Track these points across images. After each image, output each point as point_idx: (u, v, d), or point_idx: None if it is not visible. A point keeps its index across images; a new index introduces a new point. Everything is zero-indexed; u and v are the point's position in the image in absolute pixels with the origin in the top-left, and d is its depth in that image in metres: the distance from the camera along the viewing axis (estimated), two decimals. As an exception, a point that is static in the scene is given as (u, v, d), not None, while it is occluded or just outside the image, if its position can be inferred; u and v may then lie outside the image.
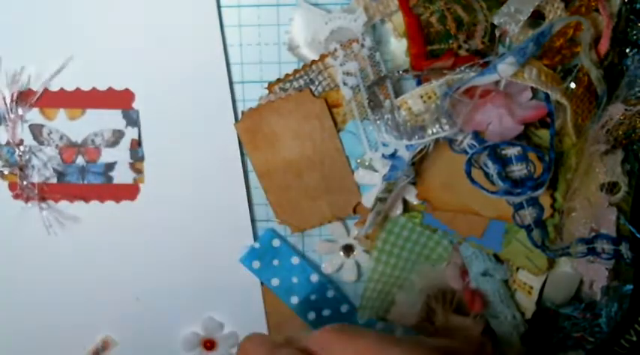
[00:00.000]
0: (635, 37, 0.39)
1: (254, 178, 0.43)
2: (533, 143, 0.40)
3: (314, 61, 0.40)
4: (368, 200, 0.42)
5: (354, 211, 0.43)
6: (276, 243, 0.44)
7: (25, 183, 0.42)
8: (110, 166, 0.42)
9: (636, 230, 0.39)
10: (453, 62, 0.38)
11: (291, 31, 0.40)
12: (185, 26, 0.40)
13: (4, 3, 0.39)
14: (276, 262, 0.44)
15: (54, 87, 0.41)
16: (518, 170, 0.38)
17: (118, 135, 0.42)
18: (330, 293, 0.45)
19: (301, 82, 0.41)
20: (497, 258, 0.43)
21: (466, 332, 0.44)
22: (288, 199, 0.43)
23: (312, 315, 0.45)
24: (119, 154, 0.42)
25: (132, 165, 0.42)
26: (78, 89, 0.41)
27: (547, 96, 0.38)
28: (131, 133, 0.42)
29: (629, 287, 0.41)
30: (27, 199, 0.42)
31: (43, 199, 0.42)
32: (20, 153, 0.41)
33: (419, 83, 0.39)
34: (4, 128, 0.41)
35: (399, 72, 0.40)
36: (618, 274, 0.41)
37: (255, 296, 0.45)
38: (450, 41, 0.39)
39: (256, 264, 0.44)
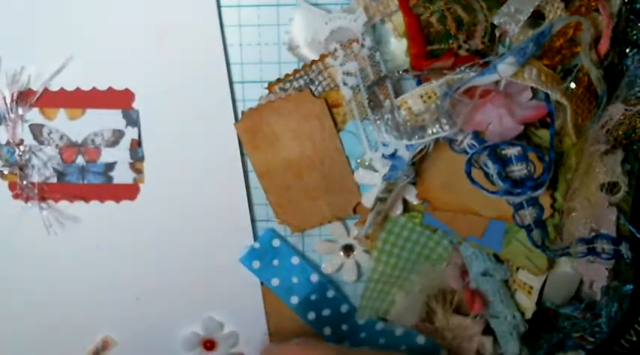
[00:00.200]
0: (635, 37, 0.39)
1: (254, 178, 0.43)
2: (533, 143, 0.40)
3: (314, 61, 0.40)
4: (368, 200, 0.42)
5: (354, 211, 0.43)
6: (276, 243, 0.44)
7: (25, 182, 0.42)
8: (110, 166, 0.42)
9: (636, 230, 0.40)
10: (453, 62, 0.38)
11: (291, 31, 0.40)
12: (185, 26, 0.40)
13: (5, 3, 0.39)
14: (276, 262, 0.44)
15: (54, 87, 0.41)
16: (518, 170, 0.38)
17: (118, 135, 0.42)
18: (330, 293, 0.45)
19: (301, 82, 0.41)
20: (497, 258, 0.43)
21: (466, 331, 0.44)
22: (288, 199, 0.43)
23: (312, 315, 0.45)
24: (119, 154, 0.42)
25: (132, 165, 0.42)
26: (78, 89, 0.41)
27: (547, 96, 0.38)
28: (131, 133, 0.42)
29: (629, 287, 0.41)
30: (27, 199, 0.42)
31: (43, 199, 0.42)
32: (20, 153, 0.41)
33: (419, 83, 0.39)
34: (5, 128, 0.41)
35: (399, 72, 0.40)
36: (618, 274, 0.41)
37: (255, 296, 0.45)
38: (450, 41, 0.39)
39: (256, 264, 0.44)
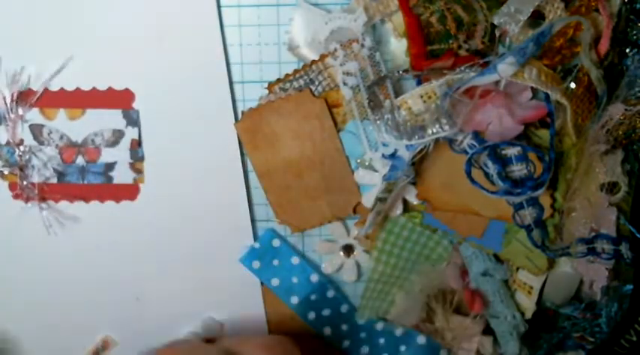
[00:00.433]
0: (635, 37, 0.39)
1: (254, 178, 0.43)
2: (533, 143, 0.40)
3: (314, 61, 0.40)
4: (368, 200, 0.42)
5: (354, 211, 0.43)
6: (276, 242, 0.44)
7: (25, 183, 0.42)
8: (110, 166, 0.42)
9: (636, 230, 0.40)
10: (453, 62, 0.38)
11: (291, 31, 0.40)
12: (185, 26, 0.40)
13: (5, 3, 0.39)
14: (276, 262, 0.44)
15: (54, 87, 0.41)
16: (518, 170, 0.38)
17: (118, 135, 0.42)
18: (330, 293, 0.45)
19: (301, 81, 0.41)
20: (497, 258, 0.43)
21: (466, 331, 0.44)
22: (288, 199, 0.43)
23: (312, 315, 0.45)
24: (119, 154, 0.42)
25: (132, 165, 0.42)
26: (78, 89, 0.41)
27: (547, 96, 0.38)
28: (131, 133, 0.42)
29: (629, 287, 0.41)
30: (27, 199, 0.42)
31: (43, 199, 0.42)
32: (20, 153, 0.41)
33: (419, 83, 0.39)
34: (5, 128, 0.41)
35: (399, 72, 0.40)
36: (618, 274, 0.41)
37: (255, 296, 0.45)
38: (450, 41, 0.39)
39: (256, 264, 0.44)
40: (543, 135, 0.40)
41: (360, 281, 0.45)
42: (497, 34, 0.39)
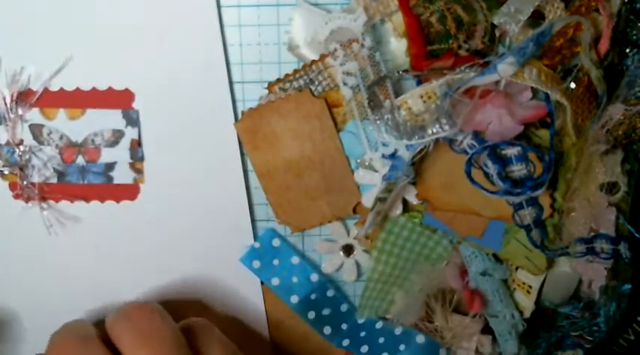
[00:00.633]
0: (635, 37, 0.39)
1: (254, 178, 0.43)
2: (533, 143, 0.40)
3: (314, 61, 0.40)
4: (368, 200, 0.42)
5: (354, 211, 0.43)
6: (276, 242, 0.44)
7: (25, 183, 0.42)
8: (110, 166, 0.42)
9: (635, 230, 0.40)
10: (453, 62, 0.38)
11: (291, 31, 0.40)
12: (185, 26, 0.40)
13: (4, 3, 0.39)
14: (276, 262, 0.45)
15: (54, 87, 0.40)
16: (518, 170, 0.38)
17: (118, 135, 0.42)
18: (330, 293, 0.45)
19: (301, 82, 0.41)
20: (497, 258, 0.43)
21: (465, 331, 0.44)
22: (288, 199, 0.43)
23: (312, 314, 0.45)
24: (119, 154, 0.42)
25: (132, 165, 0.42)
26: (78, 89, 0.41)
27: (547, 96, 0.38)
28: (131, 133, 0.42)
29: (628, 286, 0.41)
30: (27, 199, 0.42)
31: (43, 199, 0.42)
32: (20, 153, 0.41)
33: (419, 83, 0.39)
34: (4, 128, 0.41)
35: (399, 72, 0.40)
36: (617, 274, 0.41)
37: (255, 295, 0.46)
38: (450, 41, 0.39)
39: (256, 264, 0.44)
40: (543, 135, 0.40)
41: (359, 281, 0.46)
42: (497, 34, 0.39)
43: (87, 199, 0.43)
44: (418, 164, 0.40)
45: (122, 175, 0.43)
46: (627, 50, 0.39)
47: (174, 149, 0.42)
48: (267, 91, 0.41)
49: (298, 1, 0.39)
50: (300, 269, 0.45)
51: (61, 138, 0.41)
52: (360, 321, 0.46)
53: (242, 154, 0.42)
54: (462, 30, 0.39)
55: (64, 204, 0.43)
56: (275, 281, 0.45)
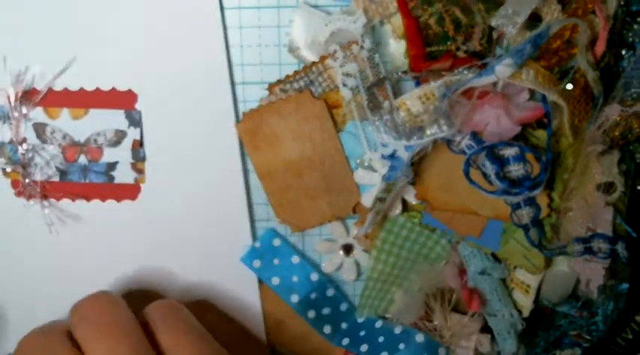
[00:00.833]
0: (630, 39, 0.40)
1: (254, 178, 0.43)
2: (531, 143, 0.40)
3: (314, 62, 0.41)
4: (367, 200, 0.42)
5: (354, 211, 0.43)
6: (276, 242, 0.45)
7: (27, 181, 0.42)
8: (112, 166, 0.43)
9: (632, 229, 0.40)
10: (452, 64, 0.39)
11: (291, 33, 0.40)
12: (188, 28, 0.40)
13: (10, 3, 0.40)
14: (276, 261, 0.45)
15: (58, 87, 0.41)
16: (515, 170, 0.39)
17: (120, 135, 0.42)
18: (330, 292, 0.45)
19: (301, 83, 0.41)
20: (495, 257, 0.43)
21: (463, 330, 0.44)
22: (288, 199, 0.43)
23: (312, 314, 0.45)
24: (121, 154, 0.42)
25: (133, 165, 0.43)
26: (81, 89, 0.41)
27: (544, 97, 0.38)
28: (133, 133, 0.42)
29: (625, 285, 0.42)
30: (29, 197, 0.43)
31: (45, 197, 0.43)
32: (23, 152, 0.42)
33: (418, 84, 0.40)
34: (8, 126, 0.41)
35: (398, 73, 0.40)
36: (614, 273, 0.41)
37: (255, 295, 0.46)
38: (449, 43, 0.39)
39: (257, 263, 0.44)
40: (540, 135, 0.40)
41: (359, 280, 0.46)
42: (495, 35, 0.39)
43: (88, 198, 0.43)
44: (417, 164, 0.41)
45: (123, 175, 0.43)
46: (623, 52, 0.40)
47: (175, 149, 0.42)
48: (267, 92, 0.42)
49: (298, 3, 0.40)
50: (300, 269, 0.45)
51: (64, 137, 0.42)
52: (360, 320, 0.46)
53: (242, 155, 0.43)
54: (460, 32, 0.39)
55: (65, 202, 0.43)
56: (275, 281, 0.45)
